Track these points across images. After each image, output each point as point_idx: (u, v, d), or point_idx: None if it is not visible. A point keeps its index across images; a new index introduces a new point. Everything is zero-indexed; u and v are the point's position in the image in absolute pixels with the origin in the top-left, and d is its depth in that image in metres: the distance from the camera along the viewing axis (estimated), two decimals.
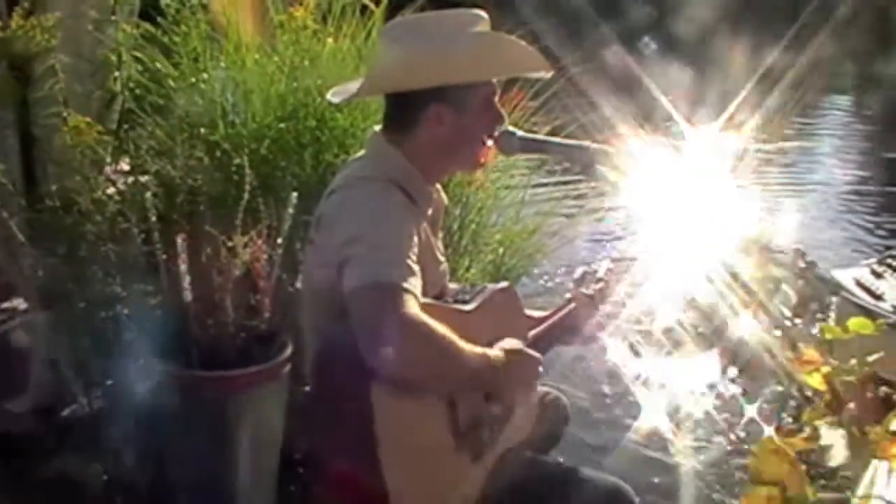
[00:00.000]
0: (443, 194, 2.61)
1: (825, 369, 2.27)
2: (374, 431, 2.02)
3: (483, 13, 2.48)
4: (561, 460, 2.88)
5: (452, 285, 2.61)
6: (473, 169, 2.77)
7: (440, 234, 2.67)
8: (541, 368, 2.42)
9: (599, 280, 2.98)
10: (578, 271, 3.11)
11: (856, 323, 1.24)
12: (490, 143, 2.52)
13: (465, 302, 2.45)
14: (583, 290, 2.92)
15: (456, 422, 2.25)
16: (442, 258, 2.61)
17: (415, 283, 2.11)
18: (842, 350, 1.54)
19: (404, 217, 2.29)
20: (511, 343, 2.40)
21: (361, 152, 2.55)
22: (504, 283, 2.63)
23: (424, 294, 2.19)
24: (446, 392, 2.22)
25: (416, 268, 2.15)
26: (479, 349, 2.21)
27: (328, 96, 2.73)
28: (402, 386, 2.06)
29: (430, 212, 2.50)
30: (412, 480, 2.12)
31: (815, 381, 2.38)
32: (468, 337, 2.19)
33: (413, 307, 2.05)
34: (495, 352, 2.28)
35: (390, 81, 2.45)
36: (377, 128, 2.54)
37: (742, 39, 13.89)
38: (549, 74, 2.62)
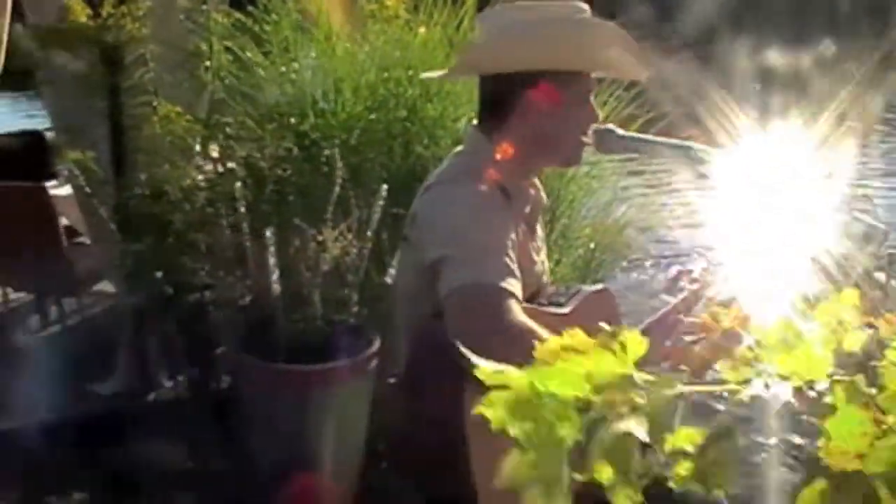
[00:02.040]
0: (542, 192, 2.52)
1: None
2: (465, 433, 1.96)
3: (584, 4, 2.40)
4: None
5: (549, 286, 2.54)
6: (568, 164, 2.69)
7: (539, 232, 2.59)
8: None
9: (694, 280, 2.88)
10: (672, 270, 3.01)
11: None
12: (587, 139, 2.44)
13: (560, 304, 2.37)
14: (678, 293, 2.82)
15: None
16: (538, 257, 2.53)
17: (515, 285, 2.03)
18: None
19: (501, 215, 2.22)
20: None
21: (459, 147, 2.49)
22: (600, 285, 2.55)
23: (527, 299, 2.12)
24: None
25: (515, 268, 2.08)
26: None
27: (423, 75, 2.66)
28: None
29: (527, 209, 2.43)
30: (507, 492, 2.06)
31: None
32: None
33: (515, 309, 1.98)
34: None
35: (490, 61, 2.38)
36: (475, 122, 2.48)
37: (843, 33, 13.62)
38: (644, 77, 2.53)
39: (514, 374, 0.85)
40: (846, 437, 0.84)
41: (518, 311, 1.99)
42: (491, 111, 2.39)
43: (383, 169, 3.88)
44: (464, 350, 1.96)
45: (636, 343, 0.92)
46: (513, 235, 2.18)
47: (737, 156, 2.58)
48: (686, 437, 0.85)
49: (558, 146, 2.39)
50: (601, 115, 4.19)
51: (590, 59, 2.35)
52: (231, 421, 3.71)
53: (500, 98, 2.35)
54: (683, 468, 0.87)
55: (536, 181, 2.48)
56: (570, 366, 0.87)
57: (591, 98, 2.41)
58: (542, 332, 1.99)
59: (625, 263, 4.78)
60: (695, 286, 2.83)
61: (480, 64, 2.42)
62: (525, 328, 1.96)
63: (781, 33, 14.19)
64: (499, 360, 1.97)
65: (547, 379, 0.85)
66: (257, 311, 3.50)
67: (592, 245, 4.36)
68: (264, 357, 3.40)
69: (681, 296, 2.75)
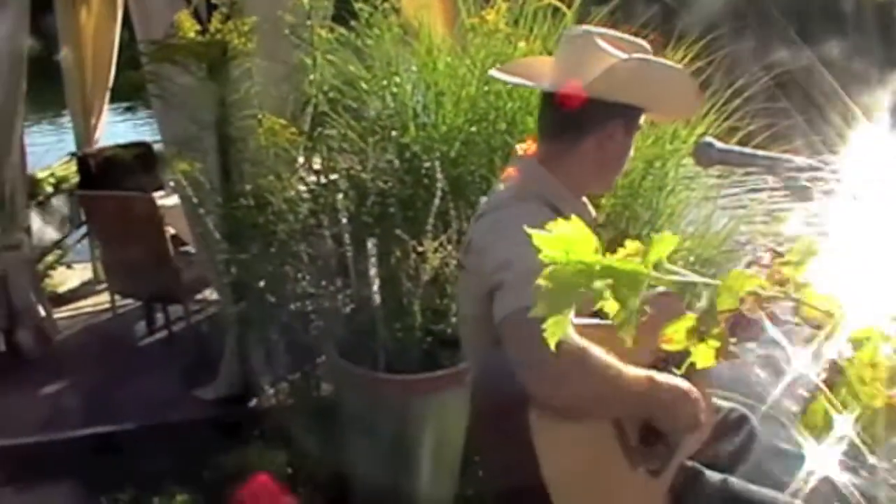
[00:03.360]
0: (591, 210, 2.54)
1: None
2: (537, 456, 1.98)
3: (648, 45, 2.48)
4: (746, 483, 2.77)
5: None
6: (607, 190, 2.73)
7: None
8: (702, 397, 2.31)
9: (764, 266, 2.85)
10: (744, 262, 2.99)
11: None
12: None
13: None
14: None
15: (626, 438, 2.19)
16: None
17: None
18: None
19: None
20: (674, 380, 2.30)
21: (507, 176, 2.52)
22: (662, 288, 2.55)
23: (581, 313, 2.14)
24: (610, 416, 2.16)
25: None
26: (643, 372, 2.12)
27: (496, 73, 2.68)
28: (564, 413, 2.01)
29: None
30: (584, 502, 2.07)
31: None
32: (628, 349, 2.14)
33: (568, 333, 2.00)
34: (662, 376, 2.20)
35: (602, 88, 2.41)
36: (519, 148, 2.51)
37: None
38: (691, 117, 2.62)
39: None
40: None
41: (571, 335, 1.99)
42: (556, 134, 2.40)
43: (484, 181, 3.91)
44: (521, 376, 1.98)
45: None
46: None
47: (838, 167, 2.55)
48: None
49: (609, 175, 2.46)
50: (701, 127, 4.20)
51: (657, 99, 2.42)
52: (332, 428, 3.76)
53: (573, 124, 2.37)
54: None
55: (585, 199, 2.50)
56: None
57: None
58: (597, 353, 2.01)
59: None
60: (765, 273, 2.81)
61: (595, 88, 2.44)
62: (578, 351, 1.98)
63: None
64: (556, 385, 1.99)
65: None
66: (358, 321, 3.56)
67: (692, 258, 4.32)
68: (364, 365, 3.46)
69: None
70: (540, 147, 2.44)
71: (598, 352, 2.01)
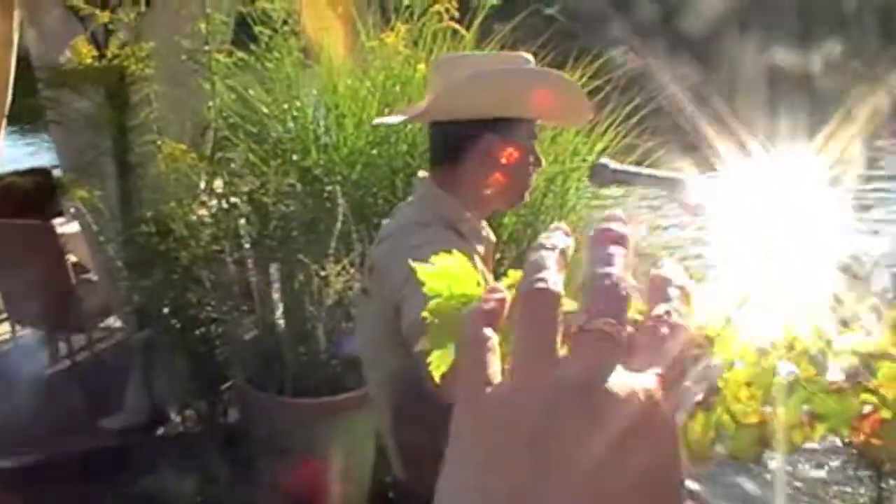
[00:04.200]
0: (490, 232, 2.57)
1: None
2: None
3: (530, 57, 2.50)
4: None
5: None
6: (513, 206, 2.75)
7: (489, 275, 2.63)
8: None
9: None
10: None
11: None
12: (531, 181, 2.51)
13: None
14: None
15: None
16: None
17: None
18: None
19: (459, 247, 2.26)
20: None
21: (410, 198, 2.54)
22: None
23: None
24: None
25: None
26: None
27: (379, 120, 2.71)
28: None
29: (481, 249, 2.47)
30: None
31: None
32: None
33: None
34: None
35: (447, 110, 2.45)
36: (422, 173, 2.54)
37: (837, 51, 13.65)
38: (584, 122, 2.63)
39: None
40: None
41: None
42: (442, 157, 2.44)
43: (386, 203, 3.93)
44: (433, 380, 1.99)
45: None
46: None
47: (733, 184, 2.61)
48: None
49: (507, 189, 2.46)
50: (600, 144, 4.26)
51: (535, 107, 2.43)
52: (240, 454, 3.73)
53: (451, 145, 2.41)
54: None
55: (484, 222, 2.53)
56: None
57: (535, 143, 2.49)
58: None
59: None
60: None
61: (438, 111, 2.49)
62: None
63: (785, 41, 14.25)
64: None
65: None
66: (263, 345, 3.54)
67: None
68: (271, 390, 3.44)
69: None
70: (434, 172, 2.47)
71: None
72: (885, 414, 1.02)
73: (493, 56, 2.55)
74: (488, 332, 0.57)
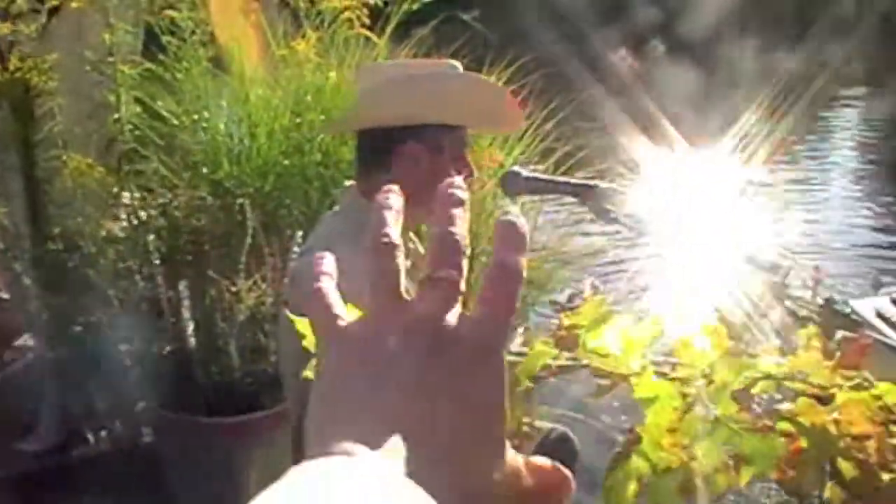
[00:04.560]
0: (419, 245, 2.52)
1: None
2: None
3: (457, 63, 2.45)
4: None
5: None
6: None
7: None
8: None
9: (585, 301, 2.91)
10: (566, 294, 3.05)
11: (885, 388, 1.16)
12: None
13: None
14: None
15: None
16: None
17: None
18: None
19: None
20: None
21: (336, 208, 2.49)
22: None
23: None
24: None
25: None
26: None
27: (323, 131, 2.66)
28: None
29: (408, 264, 2.42)
30: None
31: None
32: None
33: None
34: None
35: (369, 116, 2.40)
36: (347, 183, 2.49)
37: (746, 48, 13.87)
38: (517, 128, 2.59)
39: None
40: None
41: None
42: (368, 166, 2.39)
43: (301, 214, 3.86)
44: None
45: None
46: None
47: (650, 189, 2.60)
48: None
49: (434, 199, 2.40)
50: (518, 149, 4.23)
51: (461, 113, 2.38)
52: (154, 475, 3.64)
53: (379, 150, 2.36)
54: None
55: (412, 235, 2.48)
56: None
57: (467, 151, 2.44)
58: None
59: (545, 299, 4.79)
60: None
61: (360, 118, 2.44)
62: None
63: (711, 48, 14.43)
64: None
65: None
66: (175, 364, 3.45)
67: None
68: (185, 410, 3.36)
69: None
70: (359, 181, 2.41)
71: None
72: (803, 443, 0.99)
73: (419, 62, 2.50)
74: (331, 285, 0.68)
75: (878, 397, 1.10)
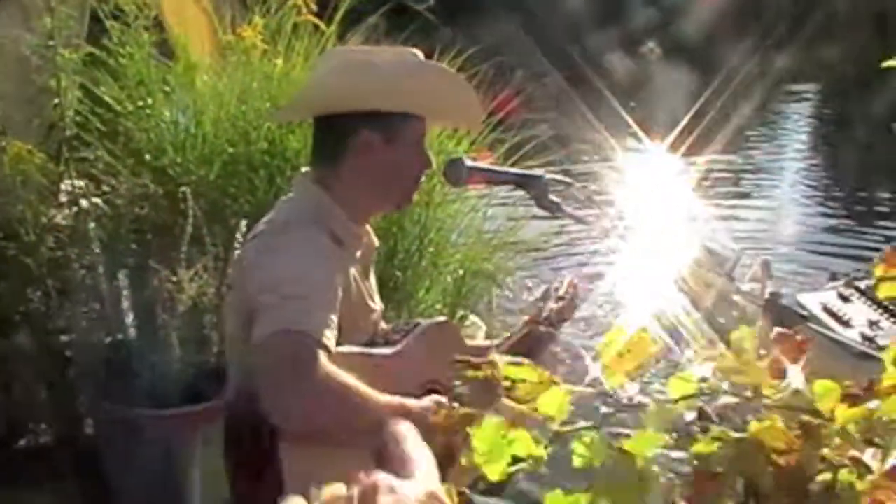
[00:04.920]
0: (373, 236, 2.48)
1: None
2: (284, 486, 1.92)
3: (419, 52, 2.40)
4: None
5: (385, 325, 2.51)
6: (399, 207, 2.68)
7: (372, 278, 2.54)
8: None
9: (560, 298, 2.89)
10: (540, 289, 3.02)
11: (822, 386, 1.16)
12: (418, 182, 2.43)
13: (395, 342, 2.33)
14: (542, 310, 2.83)
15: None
16: (373, 303, 2.48)
17: (328, 335, 1.99)
18: None
19: (327, 264, 2.17)
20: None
21: (290, 194, 2.44)
22: (441, 318, 2.54)
23: (354, 342, 2.09)
24: (360, 443, 2.10)
25: (332, 318, 2.03)
26: (396, 399, 2.08)
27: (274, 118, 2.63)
28: (312, 439, 1.96)
29: (359, 254, 2.38)
30: None
31: None
32: (394, 380, 2.10)
33: (322, 361, 1.94)
34: (419, 403, 2.14)
35: (322, 102, 2.36)
36: (304, 169, 2.45)
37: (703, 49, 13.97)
38: (477, 124, 2.57)
39: None
40: None
41: (325, 364, 1.95)
42: (322, 154, 2.36)
43: (246, 203, 3.81)
44: (265, 399, 1.93)
45: None
46: (340, 284, 2.15)
47: (597, 178, 2.58)
48: None
49: (389, 189, 2.38)
50: (466, 140, 4.21)
51: (419, 102, 2.33)
52: (98, 468, 3.59)
53: (333, 138, 2.33)
54: None
55: (367, 226, 2.45)
56: None
57: (425, 140, 2.40)
58: (351, 383, 1.97)
59: (497, 289, 4.77)
60: (560, 304, 2.85)
61: (315, 104, 2.40)
62: (331, 382, 1.95)
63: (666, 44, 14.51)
64: (299, 412, 1.95)
65: None
66: (116, 355, 3.39)
67: (462, 272, 4.33)
68: (126, 401, 3.30)
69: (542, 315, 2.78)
70: (314, 169, 2.37)
71: (343, 378, 1.96)
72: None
73: (380, 49, 2.46)
74: None
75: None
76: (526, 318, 2.83)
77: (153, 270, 3.22)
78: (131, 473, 3.41)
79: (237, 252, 2.32)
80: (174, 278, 3.17)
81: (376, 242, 2.50)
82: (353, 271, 2.30)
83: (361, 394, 2.00)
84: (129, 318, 3.23)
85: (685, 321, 3.14)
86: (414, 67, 2.35)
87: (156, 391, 3.28)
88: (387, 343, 2.31)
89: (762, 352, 2.65)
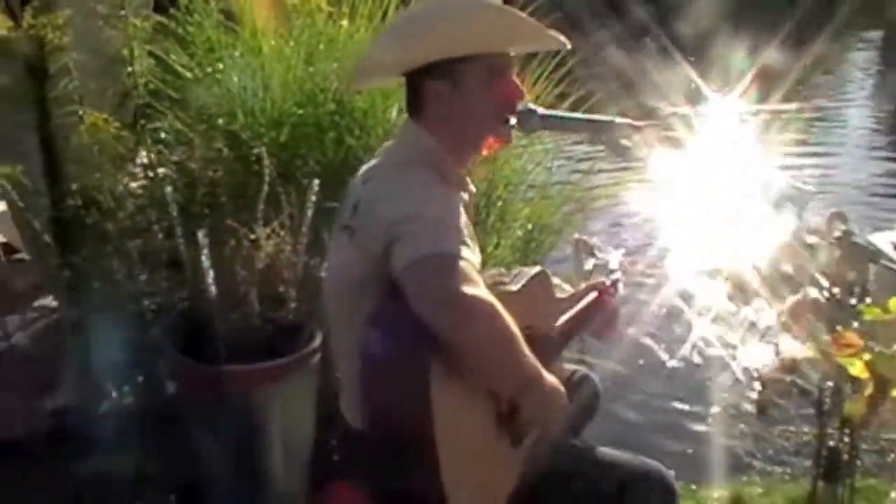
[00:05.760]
0: (471, 183, 2.52)
1: (867, 356, 2.15)
2: (431, 407, 1.94)
3: None
4: (595, 445, 2.80)
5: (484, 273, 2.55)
6: (493, 149, 2.69)
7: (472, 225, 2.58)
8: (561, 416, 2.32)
9: (613, 271, 2.94)
10: (589, 262, 3.07)
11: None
12: (511, 120, 2.44)
13: (504, 285, 2.38)
14: (604, 280, 2.87)
15: (498, 405, 2.18)
16: (475, 245, 2.53)
17: (474, 258, 2.02)
18: (885, 331, 1.45)
19: (450, 195, 2.22)
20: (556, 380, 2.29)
21: (391, 141, 2.50)
22: (538, 268, 2.56)
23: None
24: (497, 381, 2.13)
25: (471, 243, 2.07)
26: (534, 359, 2.10)
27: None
28: (461, 363, 1.97)
29: (466, 197, 2.43)
30: (468, 476, 2.05)
31: (857, 368, 2.27)
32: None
33: (477, 280, 1.97)
34: (549, 376, 2.17)
35: (381, 69, 2.43)
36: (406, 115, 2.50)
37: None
38: (554, 46, 2.54)
39: None
40: None
41: (480, 283, 1.98)
42: (414, 103, 2.40)
43: (316, 163, 3.87)
44: (427, 318, 1.95)
45: None
46: (463, 214, 2.18)
47: (665, 129, 2.60)
48: None
49: (474, 130, 2.40)
50: (531, 95, 4.22)
51: (471, 43, 2.33)
52: (179, 426, 3.68)
53: (410, 95, 2.39)
54: None
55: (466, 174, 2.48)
56: None
57: (505, 76, 2.40)
58: (500, 307, 1.99)
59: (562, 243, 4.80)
60: (615, 276, 2.89)
61: (372, 73, 2.46)
62: (486, 301, 1.96)
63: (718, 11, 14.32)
64: (459, 327, 1.97)
65: None
66: (196, 314, 3.47)
67: (530, 226, 4.37)
68: (206, 359, 3.38)
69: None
70: (411, 119, 2.42)
71: (505, 312, 1.99)
72: None
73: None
74: None
75: None
76: (590, 283, 2.88)
77: (230, 230, 3.28)
78: (213, 430, 3.49)
79: (356, 198, 2.33)
80: (252, 236, 3.24)
81: (473, 189, 2.53)
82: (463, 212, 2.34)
83: (515, 331, 2.02)
84: (209, 277, 3.30)
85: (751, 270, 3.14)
86: (457, 9, 2.34)
87: (236, 348, 3.35)
88: (495, 284, 2.36)
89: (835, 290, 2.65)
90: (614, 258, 3.00)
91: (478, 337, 1.95)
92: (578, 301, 2.75)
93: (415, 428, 1.96)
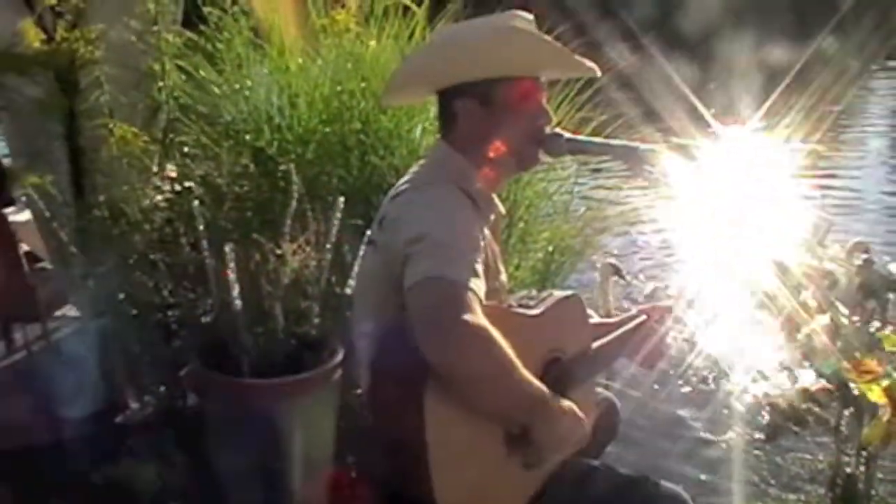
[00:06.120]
0: (499, 204, 2.55)
1: (885, 382, 2.17)
2: (426, 433, 1.97)
3: (525, 13, 2.44)
4: (615, 468, 2.82)
5: (512, 295, 2.57)
6: (524, 168, 2.71)
7: (499, 246, 2.61)
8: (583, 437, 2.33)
9: (670, 297, 2.95)
10: (649, 287, 3.08)
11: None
12: (539, 140, 2.48)
13: (530, 308, 2.40)
14: (657, 304, 2.88)
15: (507, 425, 2.20)
16: (502, 269, 2.56)
17: (478, 285, 2.04)
18: None
19: (470, 219, 2.24)
20: (572, 404, 2.32)
21: (423, 160, 2.54)
22: (570, 292, 2.57)
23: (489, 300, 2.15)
24: (496, 405, 2.15)
25: (480, 270, 2.09)
26: (538, 384, 2.13)
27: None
28: (453, 387, 2.01)
29: (492, 218, 2.46)
30: (460, 486, 2.08)
31: (875, 393, 2.29)
32: (527, 342, 2.15)
33: (475, 309, 1.99)
34: (557, 398, 2.19)
35: (412, 87, 2.50)
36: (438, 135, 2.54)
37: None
38: (585, 73, 2.58)
39: None
40: None
41: (478, 311, 2.00)
42: (445, 122, 2.44)
43: (340, 181, 3.91)
44: (422, 340, 1.98)
45: None
46: (481, 239, 2.21)
47: (689, 154, 2.61)
48: None
49: (508, 150, 2.43)
50: (555, 119, 4.25)
51: (503, 66, 2.38)
52: (200, 439, 3.70)
53: (442, 112, 2.44)
54: None
55: (495, 196, 2.51)
56: None
57: (535, 97, 2.44)
58: (500, 339, 2.01)
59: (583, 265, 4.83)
60: (670, 303, 2.90)
61: (403, 90, 2.51)
62: (481, 330, 1.98)
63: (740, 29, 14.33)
64: (451, 354, 2.00)
65: None
66: (220, 328, 3.51)
67: (551, 248, 4.40)
68: (229, 373, 3.41)
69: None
70: (443, 137, 2.46)
71: (500, 337, 2.01)
72: None
73: (474, 19, 2.53)
74: None
75: None
76: (642, 308, 2.89)
77: (256, 245, 3.32)
78: (234, 443, 3.51)
79: (383, 212, 2.38)
80: (278, 251, 3.28)
81: (503, 210, 2.57)
82: (487, 232, 2.37)
83: (512, 358, 2.04)
84: (235, 291, 3.33)
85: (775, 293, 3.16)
86: (491, 32, 2.41)
87: (259, 361, 3.38)
88: (520, 307, 2.38)
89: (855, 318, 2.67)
90: (675, 285, 3.01)
91: (469, 364, 1.98)
92: (619, 326, 2.76)
93: (407, 434, 2.01)
